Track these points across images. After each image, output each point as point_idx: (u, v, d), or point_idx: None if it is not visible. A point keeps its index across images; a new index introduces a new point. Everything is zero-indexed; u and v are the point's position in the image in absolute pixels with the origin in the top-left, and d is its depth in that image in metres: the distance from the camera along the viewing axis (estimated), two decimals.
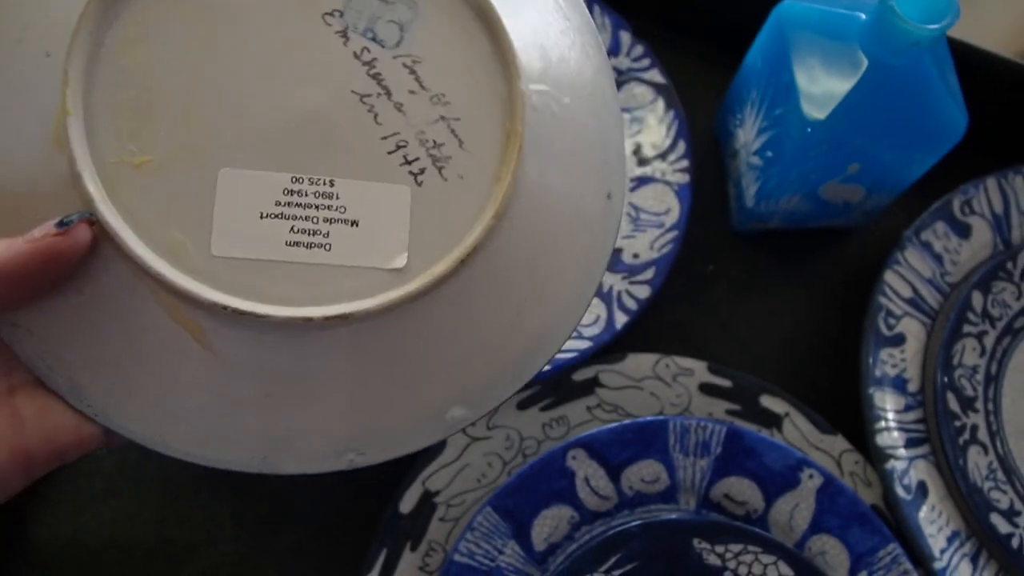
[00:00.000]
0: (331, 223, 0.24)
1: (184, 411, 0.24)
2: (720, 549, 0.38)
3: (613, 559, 0.37)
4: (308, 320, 0.22)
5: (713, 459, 0.39)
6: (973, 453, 0.41)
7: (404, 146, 0.24)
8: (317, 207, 0.24)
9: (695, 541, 0.38)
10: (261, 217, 0.23)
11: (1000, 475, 0.41)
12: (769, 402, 0.42)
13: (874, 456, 0.40)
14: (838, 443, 0.41)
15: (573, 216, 0.26)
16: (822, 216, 0.45)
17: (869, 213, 0.45)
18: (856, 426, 0.41)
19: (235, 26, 0.24)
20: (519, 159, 0.24)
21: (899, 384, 0.42)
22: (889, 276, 0.42)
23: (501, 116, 0.25)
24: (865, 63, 0.36)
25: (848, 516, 0.39)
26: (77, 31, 0.22)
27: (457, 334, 0.25)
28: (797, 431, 0.42)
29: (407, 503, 0.40)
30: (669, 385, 0.42)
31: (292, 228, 0.23)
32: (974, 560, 0.40)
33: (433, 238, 0.24)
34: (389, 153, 0.24)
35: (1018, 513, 0.40)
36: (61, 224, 0.21)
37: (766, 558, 0.38)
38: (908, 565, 0.38)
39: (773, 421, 0.42)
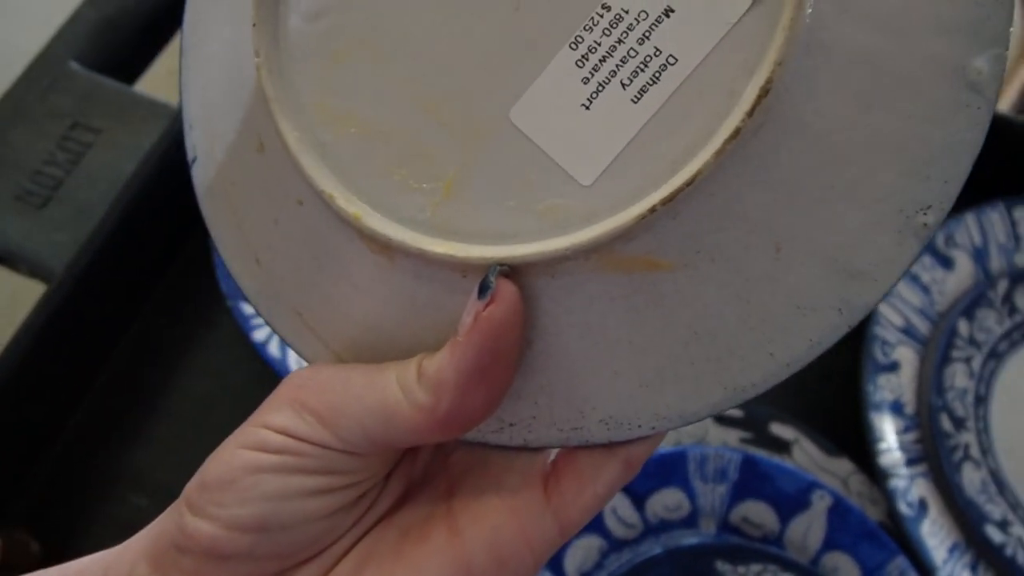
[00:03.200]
0: (648, 38, 0.19)
1: (722, 342, 0.20)
2: (742, 569, 0.40)
3: None
4: (736, 133, 0.17)
5: (731, 485, 0.42)
6: (968, 469, 0.44)
7: None
8: (620, 40, 0.19)
9: (718, 563, 0.40)
10: (588, 108, 0.19)
11: (992, 488, 0.44)
12: (779, 429, 0.45)
13: (878, 476, 0.43)
14: (845, 465, 0.44)
15: None
16: None
17: None
18: (860, 447, 0.44)
19: (380, 11, 0.20)
20: None
21: (897, 408, 0.45)
22: (883, 307, 0.45)
23: None
24: None
25: (858, 533, 0.42)
26: (295, 158, 0.20)
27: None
28: (806, 455, 0.44)
29: None
30: None
31: (622, 84, 0.19)
32: (973, 569, 0.43)
33: None
34: None
35: (1010, 524, 0.43)
36: (483, 291, 0.19)
37: None
38: None
39: (783, 447, 0.45)
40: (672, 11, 0.18)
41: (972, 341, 0.46)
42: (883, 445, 0.43)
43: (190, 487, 0.21)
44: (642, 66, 0.19)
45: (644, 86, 0.19)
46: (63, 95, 0.46)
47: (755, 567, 0.40)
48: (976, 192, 0.49)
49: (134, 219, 0.45)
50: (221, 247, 0.23)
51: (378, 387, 0.20)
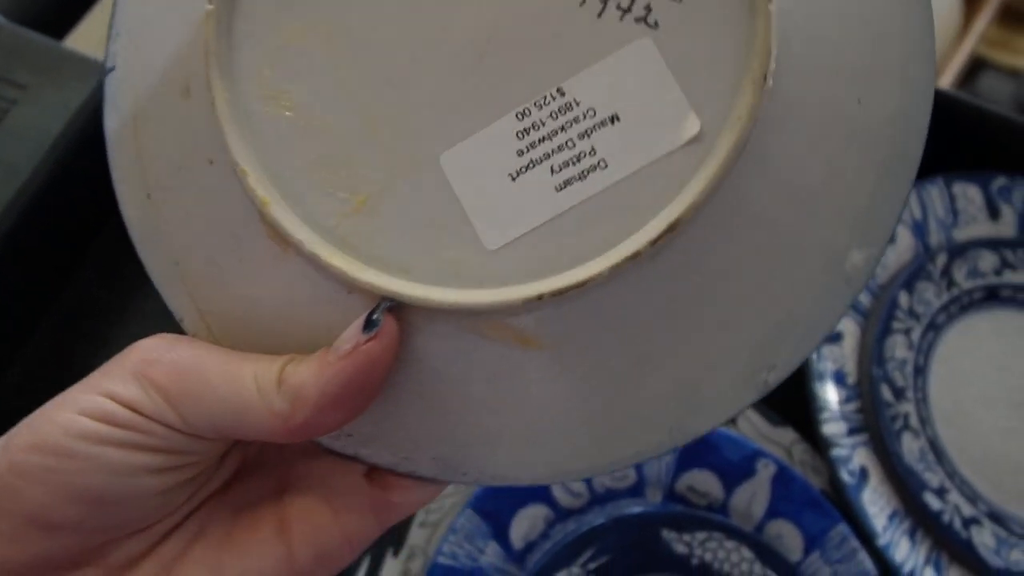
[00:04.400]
0: (589, 135, 0.19)
1: (563, 427, 0.21)
2: (687, 538, 0.40)
3: (588, 553, 0.40)
4: (636, 256, 0.18)
5: (676, 454, 0.42)
6: (907, 438, 0.45)
7: None
8: (563, 128, 0.19)
9: (663, 532, 0.40)
10: (513, 179, 0.20)
11: (931, 457, 0.45)
12: None
13: (821, 445, 0.43)
14: (788, 434, 0.45)
15: None
16: None
17: None
18: (803, 417, 0.44)
19: (351, 5, 0.20)
20: None
21: (839, 378, 0.45)
22: None
23: None
24: None
25: (801, 501, 0.42)
26: (218, 119, 0.20)
27: (804, 161, 0.20)
28: (750, 424, 0.45)
29: None
30: None
31: (552, 169, 0.19)
32: (912, 536, 0.44)
33: (712, 74, 0.19)
34: (599, 15, 0.19)
35: (947, 491, 0.44)
36: (368, 326, 0.19)
37: (729, 544, 0.40)
38: (856, 543, 0.41)
39: None
40: (618, 119, 0.19)
41: (912, 313, 0.47)
42: (826, 415, 0.44)
43: (16, 446, 0.19)
44: (575, 159, 0.19)
45: (571, 179, 0.19)
46: None
47: (700, 535, 0.40)
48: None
49: (62, 180, 0.43)
50: (114, 167, 0.22)
51: (234, 380, 0.20)
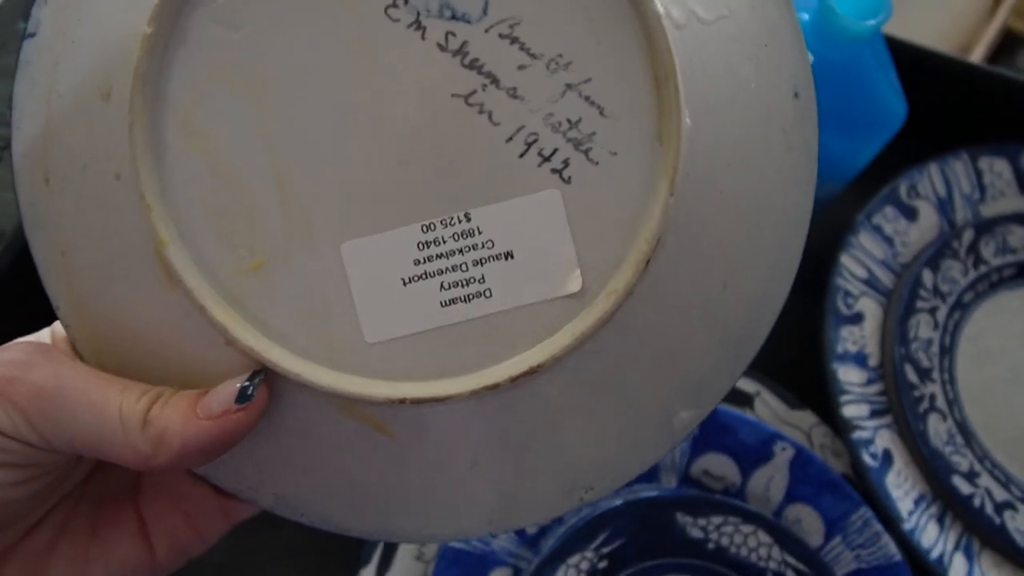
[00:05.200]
0: (482, 264, 0.21)
1: (396, 500, 0.23)
2: (702, 522, 0.40)
3: (601, 537, 0.39)
4: (495, 386, 0.20)
5: (691, 438, 0.41)
6: (933, 420, 0.43)
7: (535, 140, 0.20)
8: (461, 251, 0.20)
9: (678, 515, 0.40)
10: (405, 284, 0.21)
11: (959, 439, 0.43)
12: (740, 382, 0.44)
13: (841, 428, 0.42)
14: (807, 418, 0.44)
15: (761, 149, 0.21)
16: None
17: (822, 200, 0.47)
18: (823, 400, 0.43)
19: (292, 71, 0.20)
20: (680, 105, 0.19)
21: (860, 359, 0.44)
22: (845, 259, 0.45)
23: (640, 55, 0.20)
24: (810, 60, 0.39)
25: (820, 485, 0.41)
26: (134, 143, 0.20)
27: (662, 334, 0.21)
28: (768, 408, 0.44)
29: None
30: None
31: (442, 285, 0.21)
32: (940, 521, 0.42)
33: (604, 240, 0.20)
34: (520, 156, 0.20)
35: (977, 474, 0.43)
36: (242, 399, 0.20)
37: (746, 528, 0.40)
38: (879, 527, 0.40)
39: (745, 400, 0.44)
40: (512, 257, 0.21)
41: (937, 292, 0.45)
42: (847, 397, 0.43)
43: None
44: (465, 282, 0.21)
45: (456, 299, 0.21)
46: (12, 56, 0.45)
47: (716, 519, 0.40)
48: (940, 142, 0.48)
49: None
50: (16, 138, 0.22)
51: (99, 411, 0.20)
